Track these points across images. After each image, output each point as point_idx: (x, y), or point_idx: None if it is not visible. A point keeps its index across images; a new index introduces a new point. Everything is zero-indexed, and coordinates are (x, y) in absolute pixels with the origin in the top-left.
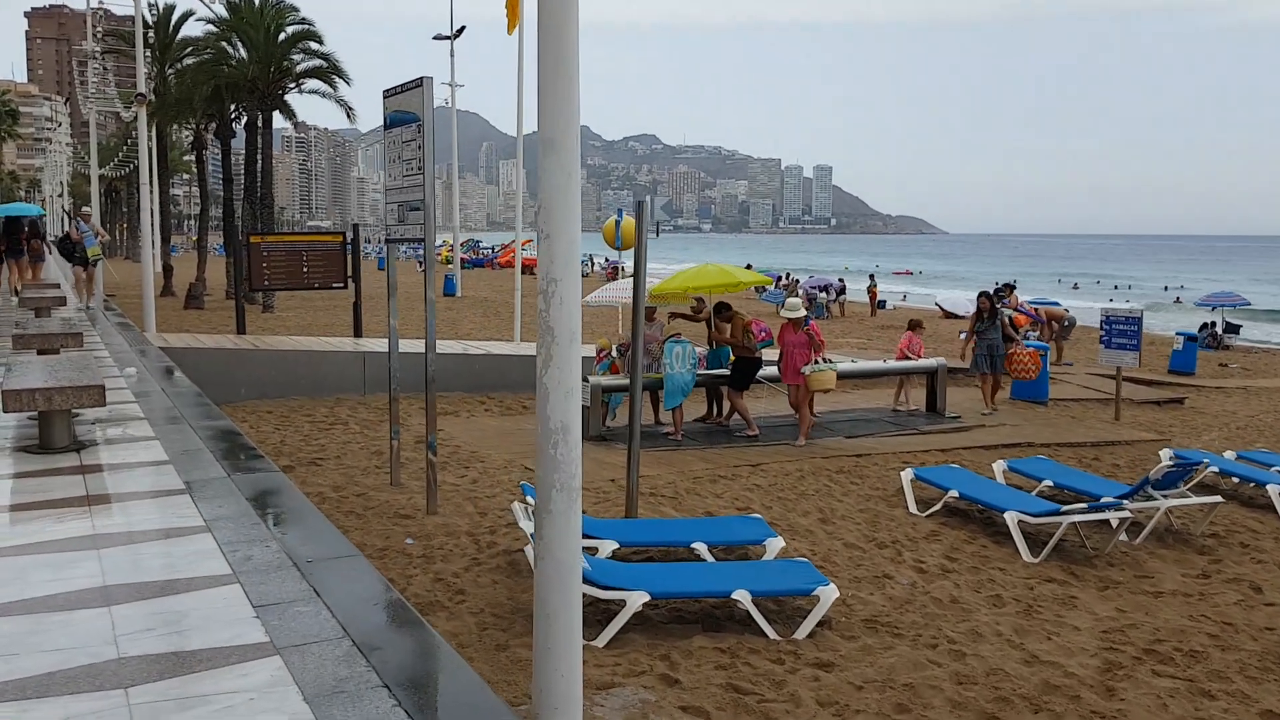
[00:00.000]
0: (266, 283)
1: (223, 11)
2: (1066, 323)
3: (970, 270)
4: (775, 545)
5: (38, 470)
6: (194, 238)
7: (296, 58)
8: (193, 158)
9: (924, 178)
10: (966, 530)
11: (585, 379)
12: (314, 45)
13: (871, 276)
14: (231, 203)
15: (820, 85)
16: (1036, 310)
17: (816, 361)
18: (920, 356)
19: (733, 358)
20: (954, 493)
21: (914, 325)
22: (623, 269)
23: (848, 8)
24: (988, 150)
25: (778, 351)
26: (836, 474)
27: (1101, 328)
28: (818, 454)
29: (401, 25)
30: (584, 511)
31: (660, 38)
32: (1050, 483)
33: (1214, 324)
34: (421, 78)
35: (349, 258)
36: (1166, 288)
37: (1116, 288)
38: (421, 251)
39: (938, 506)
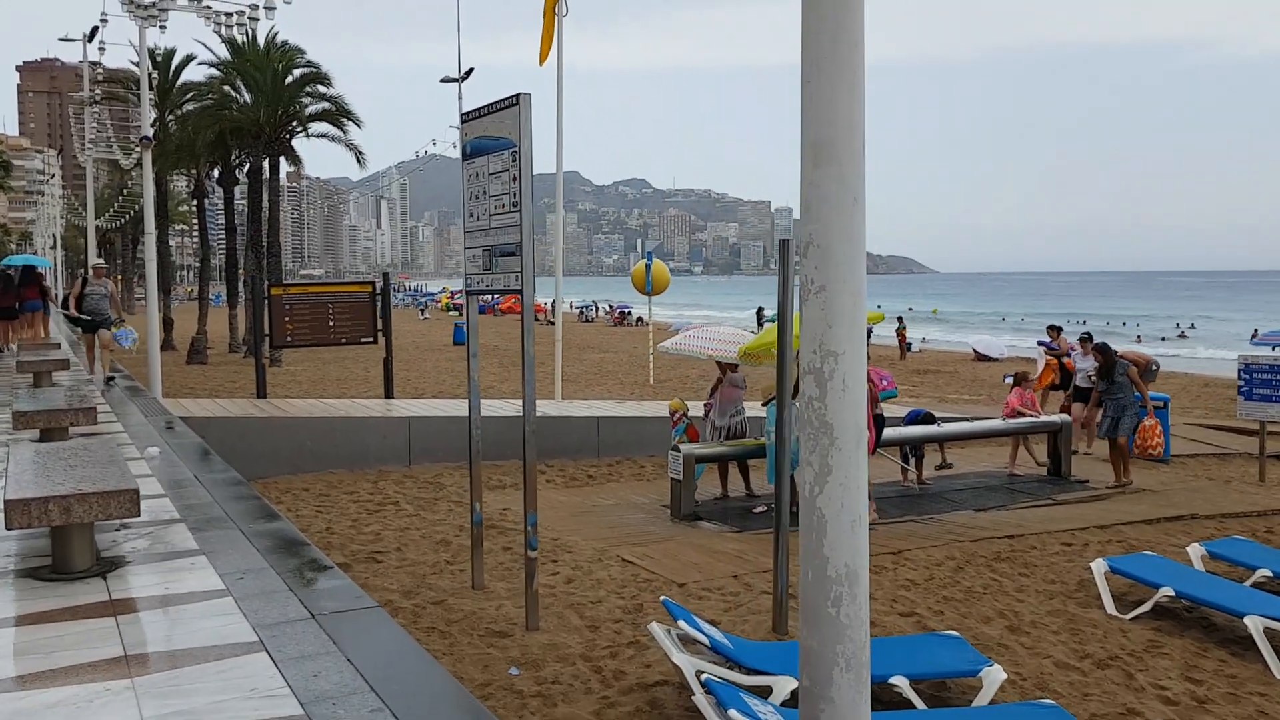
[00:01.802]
0: (290, 339)
1: (225, 54)
2: (1154, 367)
3: (976, 308)
4: (995, 677)
5: (52, 610)
6: (189, 289)
7: (304, 101)
8: (187, 207)
9: (912, 217)
10: (1189, 637)
11: (676, 448)
12: (322, 88)
13: (900, 319)
14: (235, 252)
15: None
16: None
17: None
18: (1037, 412)
19: None
20: (1168, 591)
21: (1021, 379)
22: (633, 314)
23: None
24: (975, 189)
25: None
26: (995, 562)
27: (1240, 377)
28: (959, 534)
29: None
30: (714, 623)
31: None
32: (1269, 572)
33: None
34: (518, 95)
35: (378, 309)
36: (1178, 325)
37: (1125, 325)
38: (424, 300)
39: (1146, 608)
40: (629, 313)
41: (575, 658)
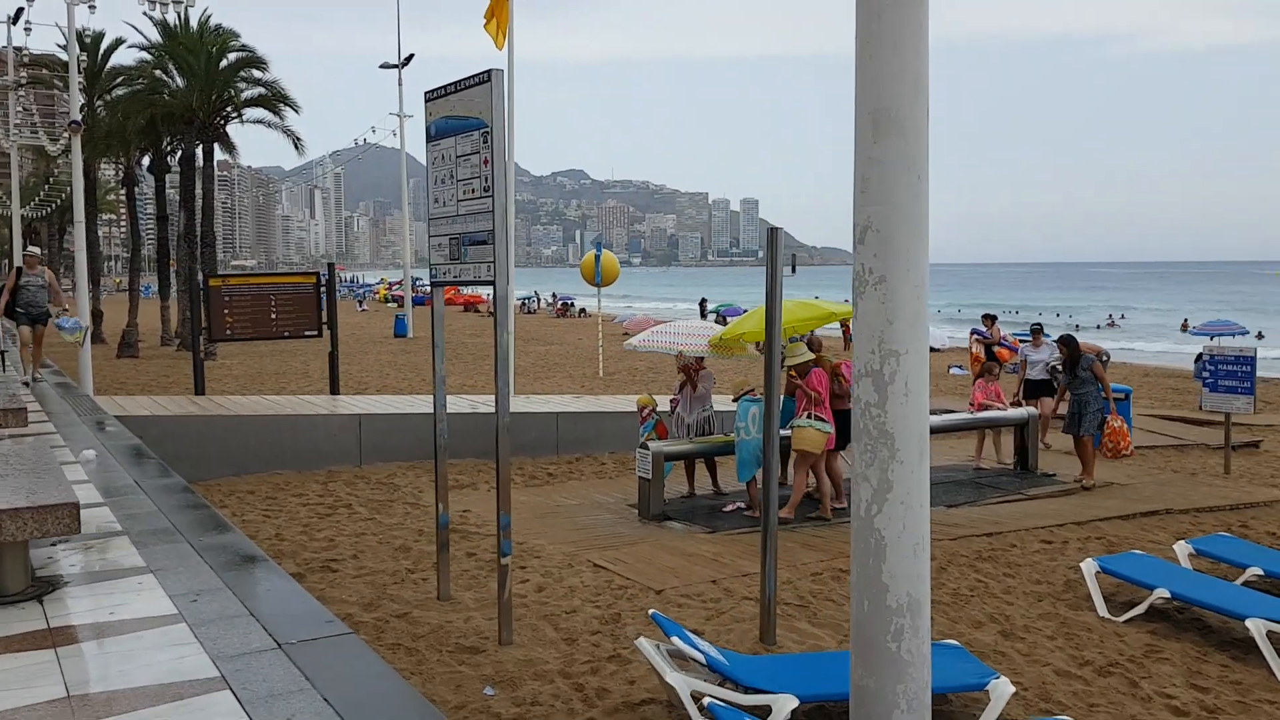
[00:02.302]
0: (229, 332)
1: (157, 37)
2: (1105, 357)
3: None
4: (1003, 691)
5: None
6: (118, 280)
7: (239, 86)
8: (116, 196)
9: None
10: (1187, 641)
11: (645, 445)
12: (257, 73)
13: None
14: (166, 242)
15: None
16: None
17: (807, 414)
18: (1003, 405)
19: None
20: (1163, 592)
21: (986, 371)
22: (576, 305)
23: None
24: None
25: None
26: (978, 561)
27: (1205, 368)
28: (937, 533)
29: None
30: (698, 632)
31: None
32: (1260, 570)
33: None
34: (489, 71)
35: (323, 301)
36: (1110, 315)
37: (1059, 315)
38: (361, 291)
39: (1140, 610)
40: (572, 304)
41: (554, 674)
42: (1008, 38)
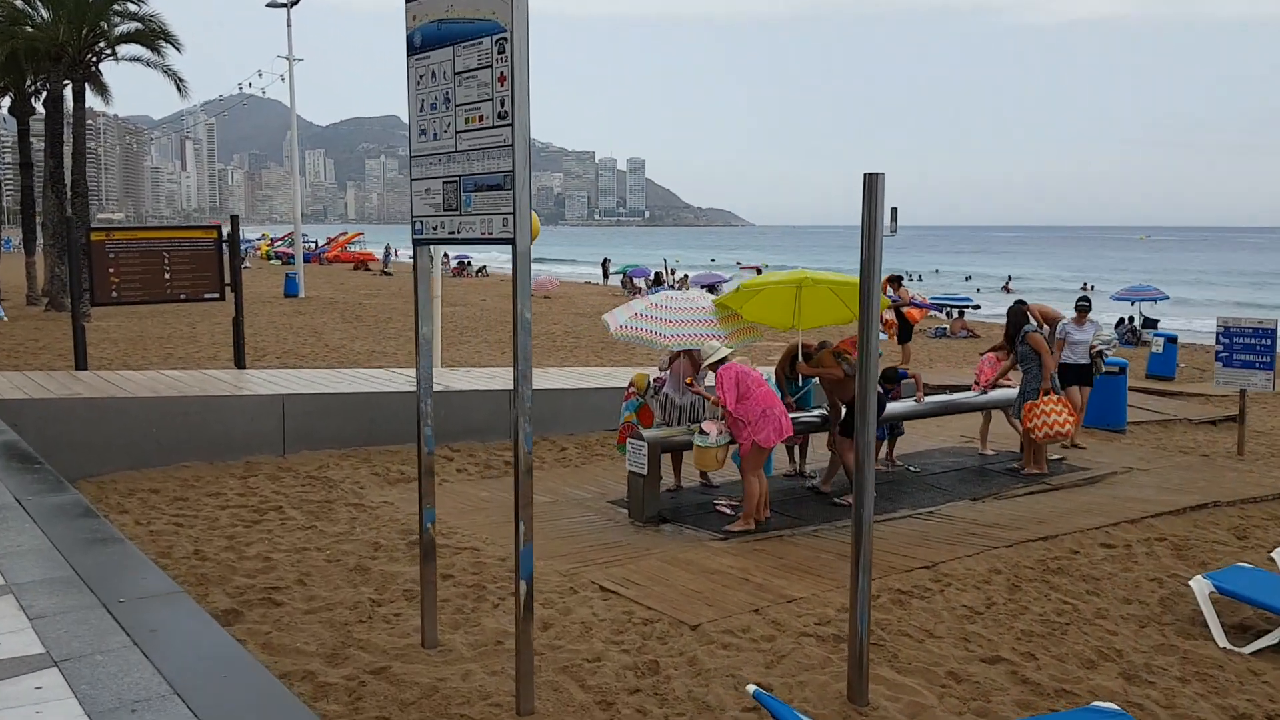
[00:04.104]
0: (115, 295)
1: None
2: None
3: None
4: None
5: None
6: None
7: (113, 19)
8: None
9: (731, 171)
10: None
11: (639, 434)
12: (133, 6)
13: (758, 270)
14: (31, 191)
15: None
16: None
17: (702, 431)
18: (1008, 382)
19: (822, 397)
20: None
21: (998, 347)
22: (473, 264)
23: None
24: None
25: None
26: (1048, 574)
27: (1219, 341)
28: (982, 535)
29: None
30: (767, 688)
31: None
32: None
33: (1131, 319)
34: None
35: (225, 260)
36: (1010, 277)
37: (969, 279)
38: (244, 248)
39: (1272, 639)
40: (468, 263)
41: None
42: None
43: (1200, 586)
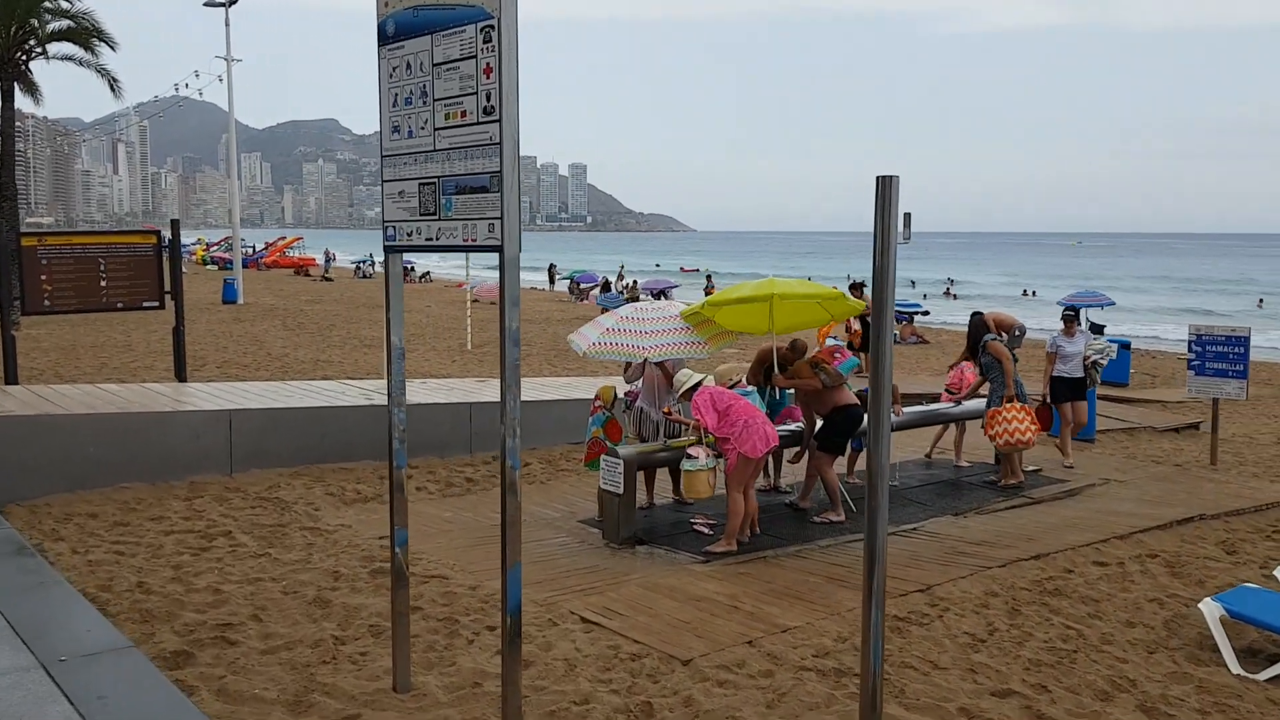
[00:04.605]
0: (48, 304)
1: None
2: (1017, 331)
3: (743, 268)
4: None
5: None
6: None
7: (44, 16)
8: None
9: (672, 176)
10: None
11: (615, 451)
12: (65, 3)
13: (709, 277)
14: None
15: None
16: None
17: (689, 456)
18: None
19: (789, 407)
20: None
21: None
22: (415, 270)
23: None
24: (731, 149)
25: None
26: (1046, 597)
27: (1191, 349)
28: (972, 554)
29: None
30: None
31: None
32: None
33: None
34: None
35: (165, 266)
36: (950, 280)
37: (913, 284)
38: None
39: None
40: (411, 268)
41: None
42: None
43: (1210, 610)
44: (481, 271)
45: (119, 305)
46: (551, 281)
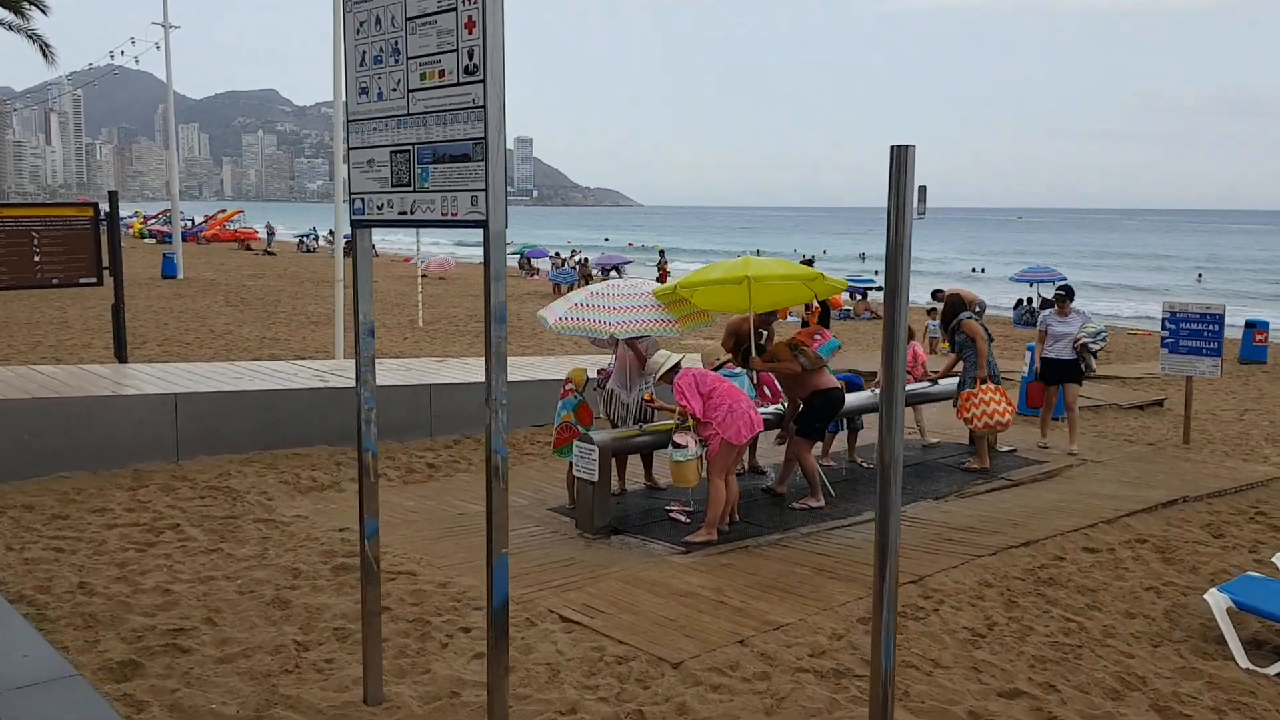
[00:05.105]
0: None
1: None
2: (977, 308)
3: (689, 243)
4: None
5: None
6: None
7: None
8: None
9: (619, 150)
10: None
11: (589, 437)
12: None
13: (661, 252)
14: None
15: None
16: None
17: (676, 445)
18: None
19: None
20: None
21: (912, 335)
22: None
23: None
24: (678, 123)
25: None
26: (1042, 587)
27: (1164, 326)
28: (960, 541)
29: None
30: None
31: None
32: None
33: (1030, 300)
34: None
35: (103, 240)
36: (863, 255)
37: (863, 257)
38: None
39: None
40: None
41: None
42: None
43: (1217, 601)
44: (429, 246)
45: (54, 281)
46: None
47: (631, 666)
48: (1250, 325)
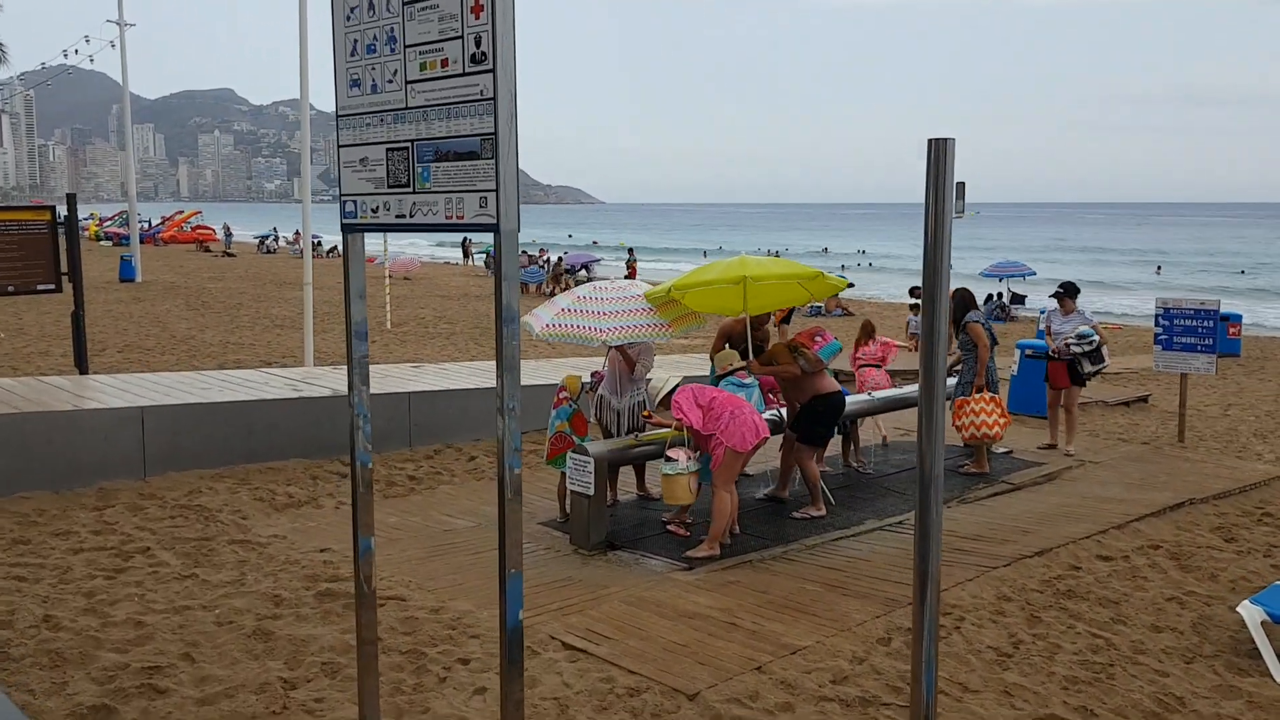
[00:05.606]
0: None
1: None
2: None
3: (661, 242)
4: None
5: None
6: None
7: None
8: None
9: (581, 148)
10: None
11: (584, 448)
12: None
13: (630, 250)
14: None
15: None
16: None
17: (668, 458)
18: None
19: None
20: None
21: (871, 331)
22: (324, 244)
23: None
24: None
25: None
26: (1062, 599)
27: (1158, 323)
28: (972, 551)
29: None
30: None
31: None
32: None
33: (1000, 295)
34: None
35: (61, 245)
36: (862, 251)
37: (825, 250)
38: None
39: None
40: (319, 242)
41: None
42: None
43: (1251, 614)
44: (395, 246)
45: (10, 289)
46: (466, 256)
47: (645, 699)
48: (1224, 318)
